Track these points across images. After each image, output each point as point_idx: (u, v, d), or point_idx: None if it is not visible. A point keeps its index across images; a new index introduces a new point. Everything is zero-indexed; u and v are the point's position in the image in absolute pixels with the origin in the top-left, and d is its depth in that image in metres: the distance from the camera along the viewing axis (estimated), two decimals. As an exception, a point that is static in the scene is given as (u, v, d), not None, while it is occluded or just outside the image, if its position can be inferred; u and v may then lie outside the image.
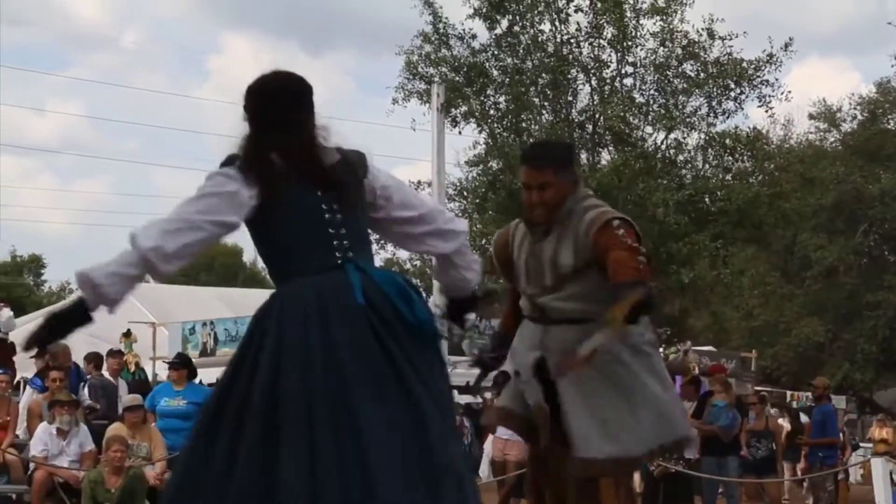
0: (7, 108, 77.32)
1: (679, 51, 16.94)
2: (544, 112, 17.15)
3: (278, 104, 4.00)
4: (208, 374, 21.24)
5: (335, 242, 3.86)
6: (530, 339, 5.12)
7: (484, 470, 17.96)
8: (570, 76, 16.99)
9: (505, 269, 5.27)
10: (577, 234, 4.92)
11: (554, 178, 5.02)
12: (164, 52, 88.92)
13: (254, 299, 31.27)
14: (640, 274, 4.73)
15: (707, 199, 16.18)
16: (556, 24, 17.02)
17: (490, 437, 15.98)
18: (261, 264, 56.48)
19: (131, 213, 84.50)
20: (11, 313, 14.51)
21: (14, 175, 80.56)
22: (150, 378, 15.18)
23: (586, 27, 16.89)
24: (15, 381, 14.04)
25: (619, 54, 17.03)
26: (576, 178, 5.12)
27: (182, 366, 13.25)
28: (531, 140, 16.54)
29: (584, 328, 4.74)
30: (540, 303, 5.05)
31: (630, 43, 16.89)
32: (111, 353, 14.28)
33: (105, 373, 13.68)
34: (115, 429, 11.73)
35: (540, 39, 16.85)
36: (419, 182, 16.86)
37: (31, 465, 11.76)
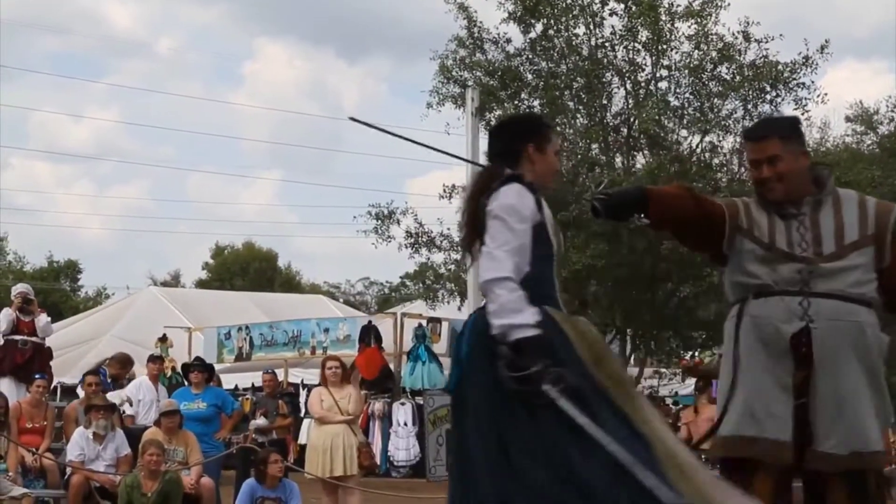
0: (45, 114, 77.89)
1: (714, 54, 16.86)
2: (579, 115, 17.10)
3: None
4: (244, 379, 21.38)
5: None
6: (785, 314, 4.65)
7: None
8: (604, 80, 16.93)
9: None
10: (863, 208, 4.73)
11: (782, 149, 4.74)
12: (199, 59, 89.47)
13: (288, 304, 31.46)
14: None
15: (743, 203, 16.11)
16: (591, 27, 16.97)
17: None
18: (296, 268, 56.58)
19: (167, 218, 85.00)
20: (49, 319, 14.59)
21: (51, 181, 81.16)
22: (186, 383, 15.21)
23: (621, 30, 16.83)
24: (52, 386, 14.12)
25: (653, 57, 16.96)
26: (806, 151, 4.83)
27: (202, 369, 13.32)
28: (566, 143, 16.50)
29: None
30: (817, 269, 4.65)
31: (665, 46, 16.82)
32: (152, 357, 14.38)
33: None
34: (151, 433, 11.79)
35: (574, 43, 16.80)
36: (453, 186, 16.86)
37: (68, 470, 11.82)
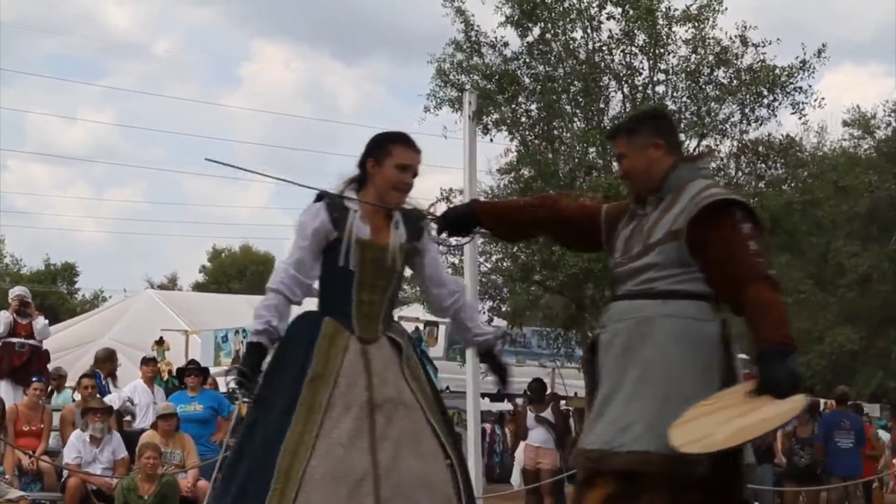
0: (39, 116, 77.87)
1: (711, 58, 16.89)
2: (576, 119, 17.12)
3: None
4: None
5: None
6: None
7: (516, 479, 17.92)
8: (601, 83, 16.95)
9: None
10: (692, 201, 4.35)
11: (627, 145, 4.52)
12: (196, 60, 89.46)
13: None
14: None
15: (740, 207, 16.10)
16: (588, 31, 16.98)
17: (522, 445, 15.94)
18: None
19: (163, 221, 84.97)
20: (46, 321, 14.59)
21: (47, 184, 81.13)
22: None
23: (618, 34, 16.86)
24: (49, 389, 14.10)
25: (651, 61, 16.98)
26: (658, 143, 4.48)
27: (198, 372, 13.34)
28: (563, 147, 16.52)
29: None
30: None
31: (662, 50, 16.84)
32: (145, 360, 14.38)
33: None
34: (148, 436, 11.80)
35: (572, 47, 16.81)
36: (451, 190, 16.86)
37: (65, 473, 11.83)
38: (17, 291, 14.75)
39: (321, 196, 4.90)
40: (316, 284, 4.93)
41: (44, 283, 51.23)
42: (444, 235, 5.03)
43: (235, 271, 53.63)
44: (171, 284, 53.16)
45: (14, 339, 13.97)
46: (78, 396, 13.29)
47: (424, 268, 5.05)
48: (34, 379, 12.81)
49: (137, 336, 21.77)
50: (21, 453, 11.94)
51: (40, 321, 14.21)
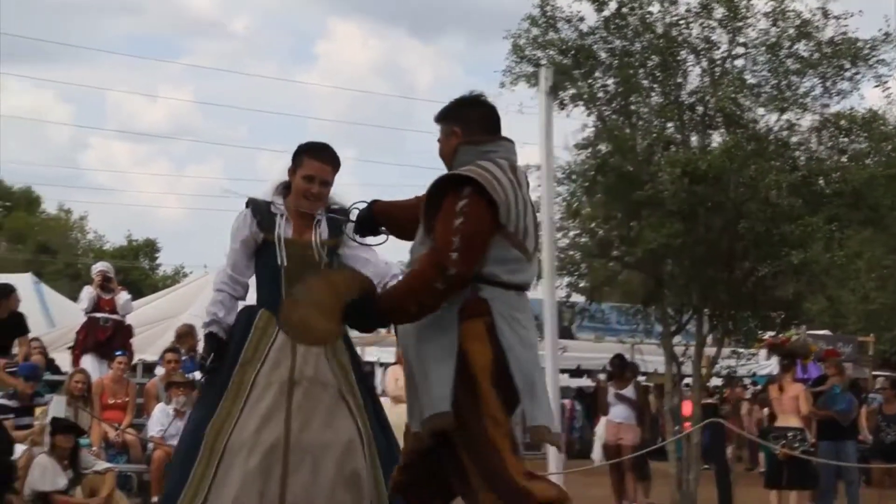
0: (120, 95, 78.84)
1: (791, 30, 16.65)
2: (653, 94, 16.97)
3: None
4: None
5: None
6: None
7: (597, 453, 17.91)
8: (679, 57, 16.78)
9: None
10: None
11: (440, 132, 4.74)
12: (273, 39, 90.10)
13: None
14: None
15: (821, 181, 15.89)
16: (665, 4, 16.82)
17: (602, 420, 15.94)
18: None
19: (242, 197, 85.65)
20: (129, 296, 14.84)
21: (129, 161, 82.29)
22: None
23: (696, 7, 16.68)
24: (133, 363, 14.34)
25: (729, 35, 16.77)
26: (456, 131, 4.63)
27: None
28: (640, 122, 16.41)
29: None
30: None
31: (741, 23, 16.63)
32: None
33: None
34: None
35: (649, 21, 16.66)
36: (527, 166, 16.82)
37: (150, 445, 12.03)
38: (100, 267, 14.99)
39: (248, 203, 5.50)
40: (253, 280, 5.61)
41: (126, 258, 51.97)
42: (360, 236, 5.21)
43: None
44: (250, 260, 53.55)
45: (98, 314, 14.21)
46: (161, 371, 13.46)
47: (347, 260, 5.58)
48: (118, 353, 13.05)
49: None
50: (107, 426, 12.17)
51: (123, 296, 14.44)
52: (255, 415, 5.24)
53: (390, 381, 12.36)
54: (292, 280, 5.27)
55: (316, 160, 5.46)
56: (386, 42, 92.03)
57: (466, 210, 4.22)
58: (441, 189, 4.37)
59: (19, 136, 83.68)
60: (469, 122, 4.61)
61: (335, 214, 5.52)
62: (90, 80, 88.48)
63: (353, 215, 5.06)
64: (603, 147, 16.35)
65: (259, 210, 5.47)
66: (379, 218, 4.99)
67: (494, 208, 4.29)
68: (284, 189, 5.58)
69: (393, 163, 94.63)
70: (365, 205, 4.96)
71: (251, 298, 5.74)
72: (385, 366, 20.80)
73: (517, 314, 4.40)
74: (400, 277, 5.11)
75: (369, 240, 5.16)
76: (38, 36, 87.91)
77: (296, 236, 5.48)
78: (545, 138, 13.04)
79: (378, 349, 21.73)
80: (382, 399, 16.76)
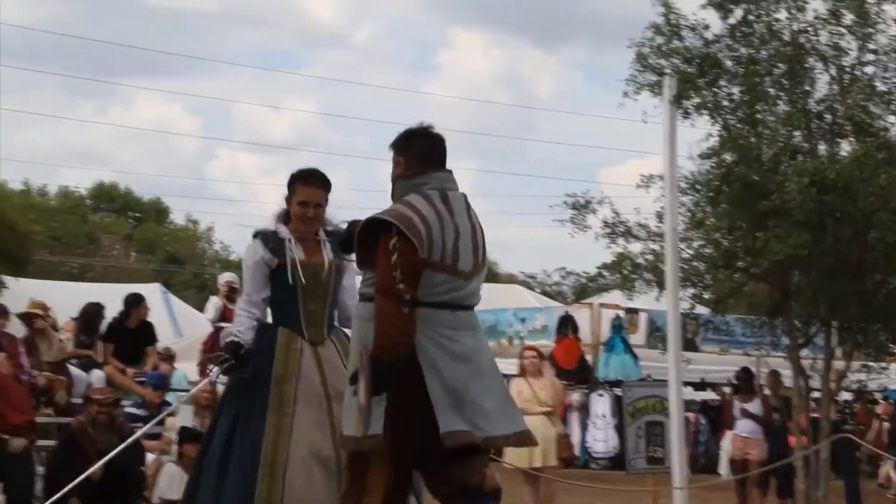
0: (247, 106, 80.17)
1: (924, 36, 16.25)
2: (780, 102, 16.67)
3: None
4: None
5: None
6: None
7: (723, 468, 17.64)
8: (807, 65, 16.48)
9: None
10: None
11: (392, 160, 5.36)
12: (395, 49, 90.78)
13: (485, 293, 31.66)
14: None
15: (955, 190, 15.45)
16: (793, 11, 16.53)
17: (728, 435, 15.69)
18: (492, 258, 56.78)
19: (365, 208, 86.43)
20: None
21: (254, 172, 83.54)
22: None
23: (824, 14, 16.37)
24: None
25: (859, 41, 16.42)
26: (398, 160, 5.27)
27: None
28: (766, 131, 16.14)
29: None
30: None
31: (871, 29, 16.27)
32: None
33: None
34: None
35: (775, 28, 16.39)
36: (650, 176, 16.65)
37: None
38: (226, 277, 15.19)
39: (255, 234, 5.99)
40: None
41: (252, 269, 52.57)
42: (345, 253, 5.88)
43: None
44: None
45: (225, 324, 14.37)
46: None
47: (343, 279, 6.03)
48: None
49: (344, 321, 22.16)
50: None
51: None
52: (303, 429, 5.65)
53: (514, 394, 12.31)
54: (308, 298, 5.89)
55: (308, 186, 6.03)
56: (508, 52, 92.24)
57: (399, 247, 4.85)
58: (372, 230, 5.02)
59: (149, 149, 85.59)
60: (410, 154, 5.21)
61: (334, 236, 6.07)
62: (216, 92, 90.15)
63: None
64: (728, 156, 16.11)
65: (267, 238, 5.95)
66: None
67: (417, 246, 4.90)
68: (284, 216, 6.08)
69: (515, 172, 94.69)
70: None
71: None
72: (506, 377, 20.77)
73: (446, 331, 4.93)
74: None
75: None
76: (166, 49, 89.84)
77: (307, 258, 5.97)
78: (669, 148, 12.89)
79: (500, 361, 21.68)
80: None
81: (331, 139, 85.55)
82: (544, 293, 42.55)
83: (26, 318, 13.25)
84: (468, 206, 5.15)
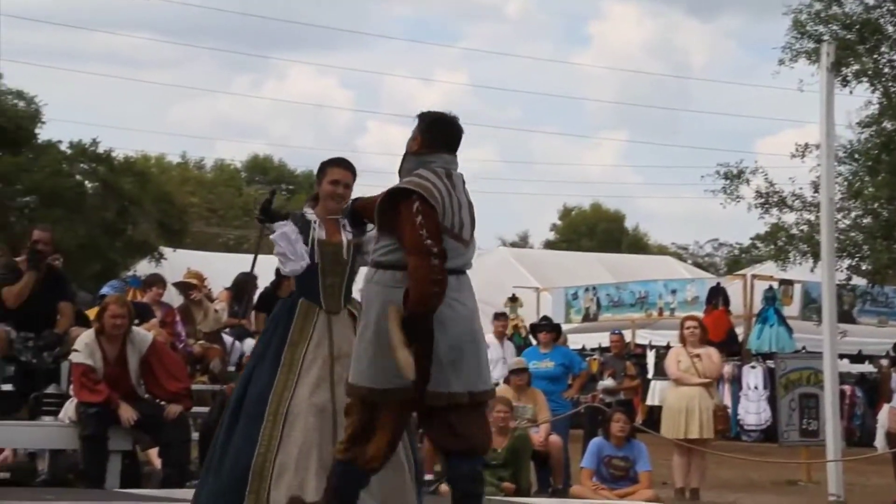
0: (398, 79, 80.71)
1: None
2: (943, 68, 16.18)
3: None
4: (591, 339, 21.48)
5: None
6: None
7: (879, 442, 17.23)
8: (972, 29, 15.93)
9: None
10: None
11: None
12: (546, 20, 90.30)
13: (635, 265, 31.41)
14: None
15: None
16: (958, -27, 15.98)
17: (885, 408, 15.32)
18: (643, 229, 56.45)
19: (515, 179, 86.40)
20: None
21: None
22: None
23: None
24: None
25: None
26: (415, 138, 5.77)
27: (550, 328, 13.45)
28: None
29: None
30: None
31: None
32: (496, 315, 14.69)
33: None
34: (500, 390, 12.04)
35: (940, -9, 15.87)
36: (806, 145, 16.30)
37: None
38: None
39: (289, 216, 6.69)
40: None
41: (402, 240, 53.08)
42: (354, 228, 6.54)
43: (586, 229, 53.89)
44: (522, 242, 54.01)
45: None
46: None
47: (362, 256, 6.60)
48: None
49: (490, 293, 22.20)
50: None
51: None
52: (306, 384, 6.46)
53: (671, 364, 12.18)
54: (326, 273, 6.62)
55: (338, 168, 6.72)
56: (661, 21, 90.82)
57: (422, 210, 5.39)
58: (393, 199, 5.55)
59: (302, 122, 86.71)
60: (429, 136, 5.73)
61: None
62: (369, 65, 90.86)
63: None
64: (888, 124, 15.69)
65: (297, 220, 6.63)
66: (358, 213, 6.18)
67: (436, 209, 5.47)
68: (312, 201, 6.80)
69: (666, 143, 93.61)
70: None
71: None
72: (655, 348, 20.61)
73: (454, 293, 5.44)
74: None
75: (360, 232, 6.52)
76: (320, 23, 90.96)
77: (328, 238, 6.64)
78: (826, 116, 12.55)
79: (649, 332, 21.55)
80: (661, 382, 16.62)
81: (481, 111, 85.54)
82: (696, 265, 42.01)
83: (183, 287, 13.55)
84: (464, 185, 5.75)
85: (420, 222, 5.37)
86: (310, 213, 6.70)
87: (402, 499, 6.29)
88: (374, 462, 5.60)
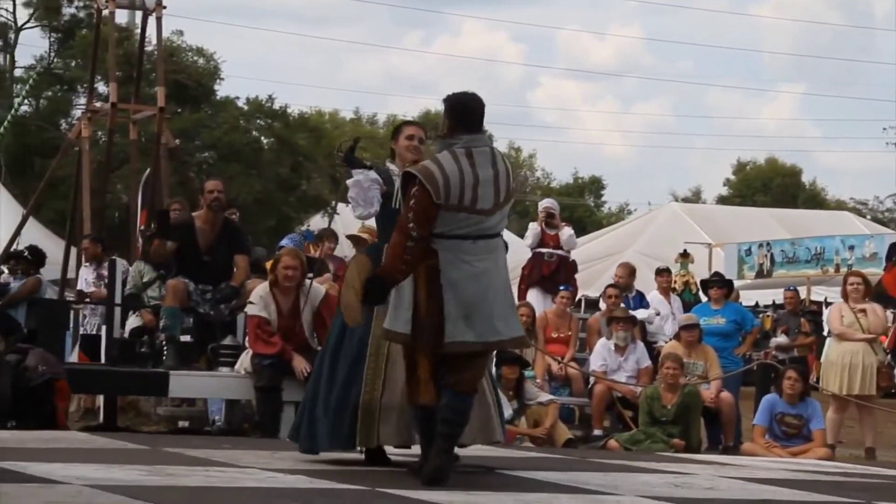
0: (571, 33, 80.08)
1: None
2: None
3: None
4: (764, 296, 21.13)
5: None
6: None
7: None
8: None
9: None
10: None
11: None
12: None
13: (811, 220, 30.70)
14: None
15: None
16: None
17: None
18: (821, 184, 55.01)
19: (689, 134, 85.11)
20: (573, 232, 15.03)
21: (577, 99, 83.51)
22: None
23: None
24: (576, 298, 14.56)
25: None
26: (448, 125, 6.41)
27: (721, 285, 13.26)
28: None
29: None
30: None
31: None
32: (658, 271, 14.58)
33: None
34: (670, 346, 11.99)
35: None
36: None
37: (591, 379, 12.22)
38: (544, 203, 15.29)
39: (371, 167, 7.05)
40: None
41: (572, 195, 52.93)
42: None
43: (760, 184, 52.75)
44: (694, 198, 53.21)
45: (543, 249, 14.49)
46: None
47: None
48: (561, 288, 13.28)
49: (661, 248, 22.01)
50: (551, 359, 12.45)
51: (566, 232, 14.63)
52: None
53: (834, 319, 11.89)
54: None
55: (412, 126, 7.32)
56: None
57: (417, 195, 6.16)
58: (405, 181, 6.33)
59: (473, 77, 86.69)
60: (451, 119, 6.42)
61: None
62: (541, 19, 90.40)
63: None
64: None
65: (379, 171, 7.01)
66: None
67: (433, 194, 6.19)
68: (390, 159, 7.20)
69: (846, 96, 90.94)
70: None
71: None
72: (832, 305, 20.13)
73: (467, 256, 6.21)
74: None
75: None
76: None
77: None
78: None
79: (825, 288, 21.06)
80: (829, 339, 16.27)
81: (655, 64, 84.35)
82: (875, 220, 40.82)
83: (355, 240, 13.75)
84: (494, 158, 6.36)
85: (411, 206, 6.18)
86: (392, 167, 7.13)
87: (489, 430, 6.77)
88: (425, 397, 6.24)
